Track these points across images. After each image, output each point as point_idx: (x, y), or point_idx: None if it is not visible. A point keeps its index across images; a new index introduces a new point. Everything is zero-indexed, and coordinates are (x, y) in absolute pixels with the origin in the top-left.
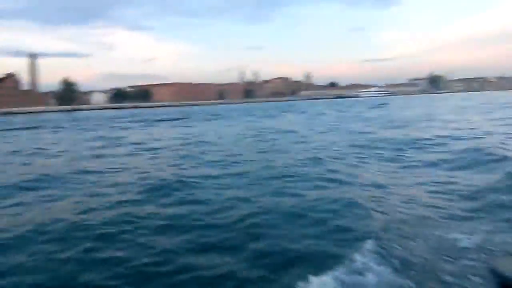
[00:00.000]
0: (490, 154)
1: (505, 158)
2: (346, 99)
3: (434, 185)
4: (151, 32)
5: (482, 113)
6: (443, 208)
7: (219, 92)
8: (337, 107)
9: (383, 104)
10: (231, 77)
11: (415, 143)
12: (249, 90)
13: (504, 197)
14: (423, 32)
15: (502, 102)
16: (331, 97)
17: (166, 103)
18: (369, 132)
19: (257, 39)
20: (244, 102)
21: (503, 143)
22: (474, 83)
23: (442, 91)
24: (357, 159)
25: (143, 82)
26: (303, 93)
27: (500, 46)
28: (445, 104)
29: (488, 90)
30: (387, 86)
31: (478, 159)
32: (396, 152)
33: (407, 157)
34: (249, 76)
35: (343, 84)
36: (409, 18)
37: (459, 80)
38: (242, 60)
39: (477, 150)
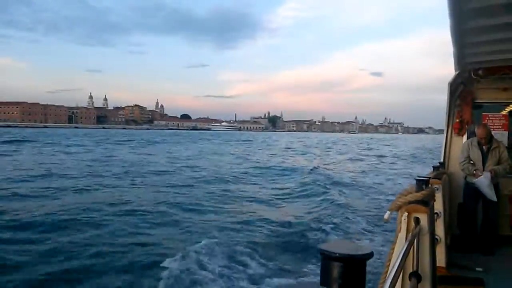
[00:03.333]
0: None
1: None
2: (201, 131)
3: None
4: None
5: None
6: None
7: (69, 116)
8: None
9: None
10: (71, 100)
11: None
12: (102, 116)
13: None
14: (259, 75)
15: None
16: (188, 128)
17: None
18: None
19: (96, 63)
20: (100, 128)
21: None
22: (304, 125)
23: (280, 130)
24: None
25: None
26: (158, 123)
27: (320, 95)
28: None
29: (314, 131)
30: (234, 122)
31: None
32: None
33: None
34: (97, 101)
35: (193, 117)
36: (244, 61)
37: (292, 121)
38: (81, 82)
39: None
